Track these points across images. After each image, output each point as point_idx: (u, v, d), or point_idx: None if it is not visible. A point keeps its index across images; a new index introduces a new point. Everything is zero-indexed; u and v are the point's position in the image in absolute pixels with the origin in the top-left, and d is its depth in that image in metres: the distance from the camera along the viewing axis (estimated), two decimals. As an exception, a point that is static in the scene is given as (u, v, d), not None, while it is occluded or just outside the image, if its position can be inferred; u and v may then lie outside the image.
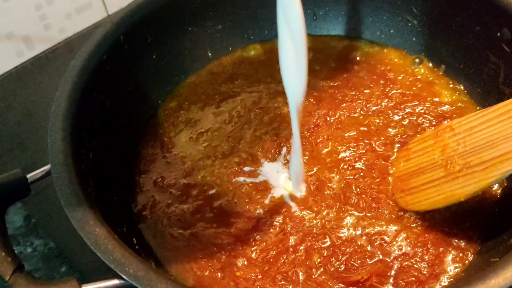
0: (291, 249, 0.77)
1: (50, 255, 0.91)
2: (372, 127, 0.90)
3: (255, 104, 0.96)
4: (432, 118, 0.91)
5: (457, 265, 0.74)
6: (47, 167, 0.73)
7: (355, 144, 0.88)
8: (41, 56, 1.24)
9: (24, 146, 1.08)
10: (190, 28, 1.01)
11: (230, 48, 1.06)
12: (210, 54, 1.05)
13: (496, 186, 0.81)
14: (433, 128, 0.87)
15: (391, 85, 0.97)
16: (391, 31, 1.04)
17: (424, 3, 0.97)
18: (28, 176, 0.73)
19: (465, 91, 0.95)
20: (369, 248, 0.76)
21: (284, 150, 0.89)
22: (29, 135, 1.09)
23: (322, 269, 0.75)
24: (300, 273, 0.74)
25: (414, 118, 0.91)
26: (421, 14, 0.98)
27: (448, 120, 0.89)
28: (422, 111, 0.92)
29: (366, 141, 0.88)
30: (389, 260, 0.75)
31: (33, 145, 1.07)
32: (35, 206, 0.96)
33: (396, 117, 0.91)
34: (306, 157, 0.87)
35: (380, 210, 0.80)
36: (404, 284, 0.73)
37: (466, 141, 0.74)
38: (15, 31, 1.18)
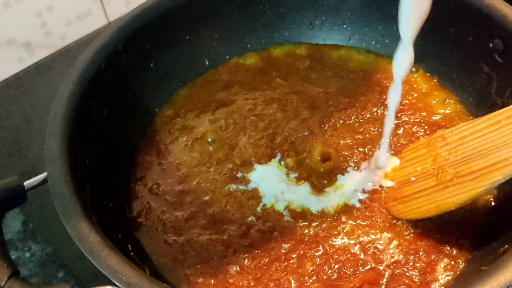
0: (283, 256, 0.77)
1: (47, 260, 0.92)
2: (367, 135, 0.91)
3: (251, 111, 0.97)
4: (426, 127, 0.91)
5: (448, 273, 0.75)
6: (44, 175, 0.74)
7: (349, 152, 0.89)
8: (42, 63, 1.25)
9: (23, 152, 1.09)
10: (187, 37, 1.02)
11: (227, 57, 1.07)
12: (207, 62, 1.06)
13: (487, 196, 0.82)
14: (426, 137, 0.88)
15: (387, 93, 0.97)
16: (386, 41, 1.04)
17: (418, 13, 0.98)
18: (25, 183, 0.73)
19: (459, 101, 0.95)
20: (362, 256, 0.77)
21: (279, 156, 0.89)
22: (28, 141, 1.10)
23: (314, 277, 0.75)
24: (293, 281, 0.75)
25: (409, 127, 0.92)
26: (415, 24, 0.99)
27: (442, 129, 0.90)
28: (417, 120, 0.93)
29: (361, 149, 0.89)
30: (381, 268, 0.75)
31: (32, 150, 1.08)
32: (33, 212, 0.97)
33: None
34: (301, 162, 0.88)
35: (373, 219, 0.80)
36: (396, 292, 0.73)
37: (457, 150, 0.74)
38: (16, 38, 1.19)
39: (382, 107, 0.95)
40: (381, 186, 0.84)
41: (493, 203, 0.81)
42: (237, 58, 1.07)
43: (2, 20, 1.15)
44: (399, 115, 0.93)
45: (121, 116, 0.91)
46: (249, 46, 1.08)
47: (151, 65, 0.98)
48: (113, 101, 0.89)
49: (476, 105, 0.92)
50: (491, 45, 0.87)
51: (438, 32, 0.96)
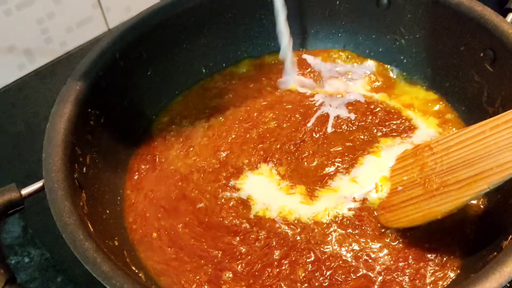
0: (275, 263, 0.78)
1: (46, 265, 0.93)
2: (357, 142, 0.92)
3: (244, 119, 0.98)
4: (416, 135, 0.92)
5: (438, 280, 0.76)
6: (41, 182, 0.75)
7: (340, 159, 0.90)
8: (42, 69, 1.26)
9: (23, 157, 1.10)
10: (184, 45, 1.03)
11: (224, 65, 1.08)
12: (204, 70, 1.07)
13: (477, 203, 0.83)
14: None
15: (376, 101, 0.99)
16: (380, 49, 1.06)
17: (411, 24, 0.99)
18: (22, 191, 0.74)
19: (451, 109, 0.97)
20: (353, 263, 0.78)
21: (271, 164, 0.91)
22: (28, 146, 1.11)
23: (306, 284, 0.76)
24: (285, 287, 0.76)
25: (398, 135, 0.93)
26: (408, 34, 1.01)
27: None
28: (407, 128, 0.94)
29: (351, 155, 0.90)
30: (372, 275, 0.76)
31: (32, 156, 1.09)
32: (32, 217, 0.98)
33: (380, 134, 0.93)
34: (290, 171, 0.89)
35: (363, 227, 0.81)
36: (387, 298, 0.74)
37: (443, 160, 0.76)
38: (17, 44, 1.20)
39: (371, 116, 0.96)
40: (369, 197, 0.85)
41: (483, 211, 0.82)
42: (232, 67, 1.09)
43: (3, 27, 1.16)
44: (387, 123, 0.95)
45: (118, 124, 0.93)
46: (245, 54, 1.10)
47: (149, 73, 0.99)
48: (110, 109, 0.91)
49: (468, 113, 0.94)
50: (482, 54, 0.88)
51: (431, 42, 0.98)
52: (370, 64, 1.06)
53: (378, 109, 0.97)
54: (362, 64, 1.07)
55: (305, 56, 1.09)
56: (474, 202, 0.83)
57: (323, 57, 1.09)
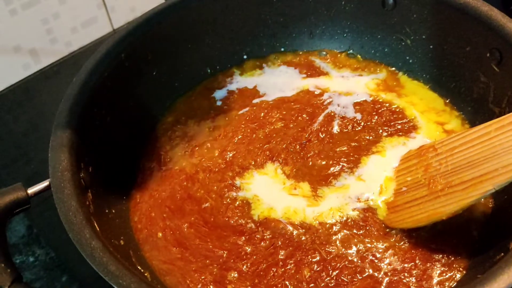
0: (280, 262, 0.78)
1: (51, 264, 0.93)
2: (363, 142, 0.92)
3: (250, 119, 0.98)
4: (420, 135, 0.92)
5: (445, 281, 0.75)
6: (47, 182, 0.76)
7: (345, 159, 0.90)
8: (47, 69, 1.27)
9: (29, 157, 1.11)
10: (189, 46, 1.03)
11: (229, 65, 1.09)
12: (209, 71, 1.07)
13: (484, 204, 0.83)
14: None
15: (382, 102, 0.99)
16: (386, 50, 1.06)
17: (417, 24, 0.99)
18: (28, 190, 0.75)
19: (457, 109, 0.96)
20: (359, 263, 0.78)
21: (276, 164, 0.91)
22: (34, 146, 1.12)
23: (312, 284, 0.76)
24: (290, 287, 0.76)
25: (403, 134, 0.93)
26: (414, 34, 1.00)
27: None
28: (412, 127, 0.94)
29: (356, 156, 0.90)
30: (378, 276, 0.76)
31: (38, 156, 1.10)
32: (37, 216, 0.99)
33: (385, 134, 0.93)
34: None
35: (368, 228, 0.81)
36: (393, 299, 0.74)
37: (447, 161, 0.75)
38: (22, 45, 1.21)
39: (376, 116, 0.96)
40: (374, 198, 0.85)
41: (489, 212, 0.82)
42: (237, 66, 1.09)
43: (8, 27, 1.16)
44: (392, 123, 0.95)
45: (124, 124, 0.93)
46: (250, 54, 1.10)
47: (154, 73, 0.99)
48: (116, 109, 0.91)
49: (474, 114, 0.93)
50: (488, 54, 0.88)
51: (436, 42, 0.97)
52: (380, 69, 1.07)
53: (384, 109, 0.97)
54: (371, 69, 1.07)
55: (313, 58, 1.09)
56: (481, 202, 0.82)
57: (332, 64, 1.08)
